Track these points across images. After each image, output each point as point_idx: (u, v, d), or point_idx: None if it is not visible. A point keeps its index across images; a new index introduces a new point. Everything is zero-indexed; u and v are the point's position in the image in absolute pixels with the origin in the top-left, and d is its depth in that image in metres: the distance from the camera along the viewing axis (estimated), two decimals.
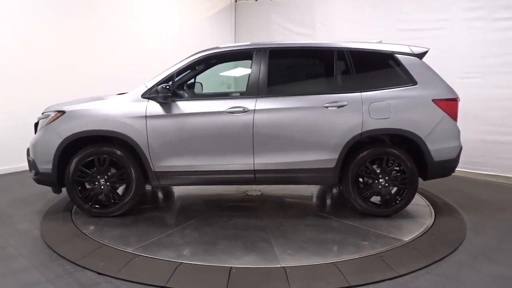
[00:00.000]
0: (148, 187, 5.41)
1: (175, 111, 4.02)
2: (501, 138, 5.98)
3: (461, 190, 5.47)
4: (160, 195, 5.30)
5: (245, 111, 3.99)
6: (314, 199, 5.16)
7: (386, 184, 4.13)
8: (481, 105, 6.02)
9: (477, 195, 5.27)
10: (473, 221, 4.18)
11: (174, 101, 4.05)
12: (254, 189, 5.24)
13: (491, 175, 6.10)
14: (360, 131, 4.01)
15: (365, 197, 4.18)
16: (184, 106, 4.05)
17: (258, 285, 2.82)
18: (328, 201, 5.15)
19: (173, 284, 2.82)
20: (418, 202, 4.68)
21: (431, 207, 4.60)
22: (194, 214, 4.30)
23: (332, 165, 4.07)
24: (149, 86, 4.11)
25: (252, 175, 4.09)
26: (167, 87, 3.92)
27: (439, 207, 4.59)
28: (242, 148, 4.02)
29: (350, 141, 4.03)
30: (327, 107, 4.01)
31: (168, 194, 5.33)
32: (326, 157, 4.05)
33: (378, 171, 4.14)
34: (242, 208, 4.68)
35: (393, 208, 4.17)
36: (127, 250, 3.35)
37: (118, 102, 4.10)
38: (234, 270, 3.00)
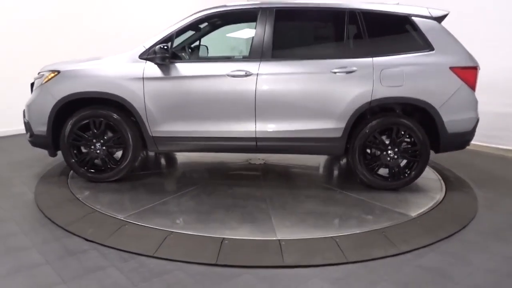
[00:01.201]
0: (151, 153, 5.28)
1: (173, 73, 3.81)
2: None
3: (475, 165, 5.21)
4: (162, 161, 5.17)
5: (247, 74, 3.76)
6: (320, 170, 4.97)
7: (395, 156, 3.90)
8: (502, 76, 5.63)
9: (492, 171, 5.00)
10: (486, 197, 3.95)
11: (172, 62, 3.83)
12: (258, 158, 5.06)
13: (509, 149, 5.78)
14: (369, 100, 3.75)
15: (372, 169, 3.97)
16: (183, 68, 3.84)
17: (249, 258, 2.68)
18: (335, 173, 4.96)
19: (161, 254, 2.70)
20: (428, 176, 4.45)
21: (442, 181, 4.37)
22: (194, 182, 4.15)
23: (339, 134, 3.84)
24: (147, 46, 3.89)
25: (254, 143, 3.90)
26: (165, 47, 3.70)
27: (451, 182, 4.36)
28: (243, 114, 3.81)
29: (359, 109, 3.78)
30: (335, 72, 3.75)
31: (170, 160, 5.20)
32: (332, 126, 3.82)
33: (387, 142, 3.90)
34: (243, 177, 4.53)
35: (402, 181, 3.95)
36: (118, 217, 3.24)
37: (115, 62, 3.90)
38: (226, 241, 2.86)
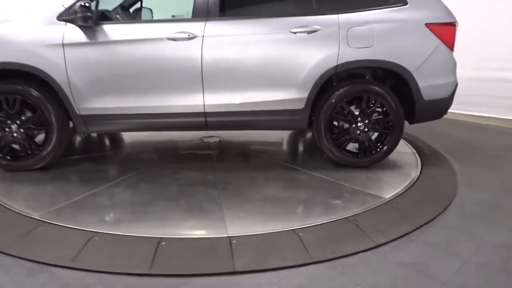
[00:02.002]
0: (94, 135, 4.61)
1: (100, 37, 3.14)
2: (499, 75, 5.24)
3: (450, 135, 4.81)
4: (107, 142, 4.51)
5: (191, 37, 3.13)
6: (282, 147, 4.45)
7: (366, 129, 3.40)
8: (476, 36, 5.19)
9: (468, 141, 4.62)
10: (466, 172, 3.54)
11: (99, 24, 3.15)
12: (211, 135, 4.47)
13: (485, 117, 5.42)
14: (335, 64, 3.21)
15: (340, 145, 3.46)
16: (113, 31, 3.16)
17: (190, 264, 2.14)
18: (299, 150, 4.45)
19: (80, 263, 2.12)
20: (402, 150, 4.00)
21: (416, 155, 3.94)
22: (135, 166, 3.55)
23: (301, 106, 3.30)
24: (67, 5, 3.17)
25: (203, 119, 3.31)
26: (87, 4, 3.01)
27: (426, 156, 3.93)
28: (188, 85, 3.21)
29: (323, 76, 3.24)
30: (294, 33, 3.17)
31: (115, 141, 4.54)
32: (293, 96, 3.27)
33: (356, 113, 3.39)
34: (194, 157, 3.96)
35: (373, 157, 3.48)
36: (33, 216, 2.62)
37: (26, 25, 3.18)
38: (164, 243, 2.31)
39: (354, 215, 2.66)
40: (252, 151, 4.25)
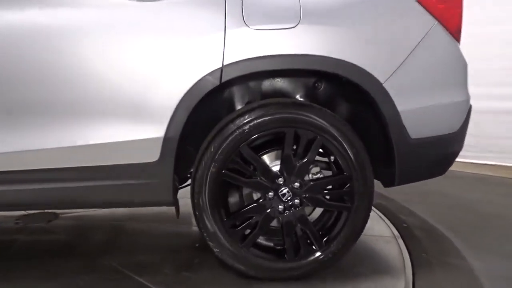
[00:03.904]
0: None
1: None
2: (502, 105, 3.66)
3: (449, 196, 3.06)
4: None
5: None
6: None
7: (296, 202, 1.58)
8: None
9: (478, 206, 2.86)
10: (491, 273, 1.76)
11: None
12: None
13: (487, 165, 3.75)
14: (219, 65, 1.47)
15: (244, 235, 1.63)
16: None
17: None
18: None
19: None
20: (374, 231, 2.21)
21: (400, 240, 2.15)
22: None
23: (152, 157, 1.50)
24: None
25: None
26: None
27: (416, 239, 2.17)
28: None
29: (194, 93, 1.48)
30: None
31: None
32: (130, 137, 1.48)
33: (274, 168, 1.59)
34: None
35: (314, 258, 1.66)
36: None
37: None
38: None
39: None
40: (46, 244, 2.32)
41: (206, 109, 1.65)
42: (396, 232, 2.26)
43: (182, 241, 2.08)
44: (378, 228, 2.31)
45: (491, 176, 3.67)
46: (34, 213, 2.46)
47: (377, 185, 1.76)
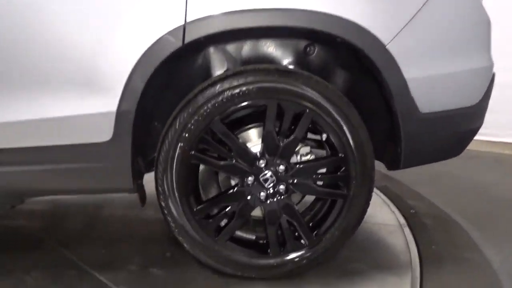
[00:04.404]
0: None
1: None
2: None
3: (462, 178, 2.78)
4: None
5: None
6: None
7: (282, 188, 1.32)
8: None
9: (495, 189, 2.58)
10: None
11: None
12: None
13: (506, 143, 3.46)
14: (182, 22, 1.18)
15: (219, 227, 1.38)
16: None
17: None
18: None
19: None
20: (376, 215, 1.96)
21: (407, 229, 1.90)
22: None
23: (104, 136, 1.24)
24: None
25: None
26: None
27: (425, 228, 1.93)
28: None
29: (151, 57, 1.21)
30: None
31: None
32: (77, 112, 1.22)
33: (254, 148, 1.32)
34: None
35: (299, 256, 1.41)
36: None
37: None
38: None
39: None
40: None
41: (176, 79, 1.38)
42: (402, 220, 2.01)
43: (157, 229, 1.84)
44: (381, 215, 2.06)
45: (510, 155, 3.37)
46: None
47: (380, 165, 1.49)
